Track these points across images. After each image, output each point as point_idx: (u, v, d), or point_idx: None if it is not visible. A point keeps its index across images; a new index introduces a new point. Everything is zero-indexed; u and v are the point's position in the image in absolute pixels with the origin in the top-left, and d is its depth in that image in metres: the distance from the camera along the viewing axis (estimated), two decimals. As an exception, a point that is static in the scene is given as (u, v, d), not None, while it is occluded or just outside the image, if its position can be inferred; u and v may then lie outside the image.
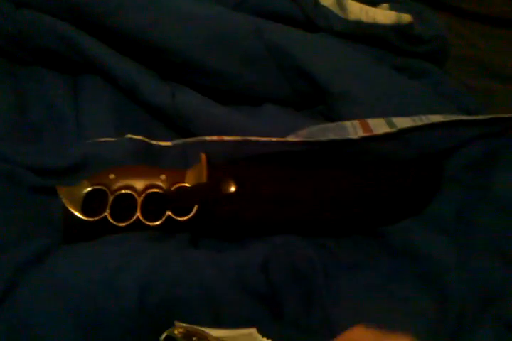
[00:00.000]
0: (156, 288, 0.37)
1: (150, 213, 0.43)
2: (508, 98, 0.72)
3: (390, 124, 0.47)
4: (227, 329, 0.33)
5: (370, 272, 0.42)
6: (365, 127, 0.47)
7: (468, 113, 0.52)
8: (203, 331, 0.32)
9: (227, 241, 0.45)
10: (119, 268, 0.38)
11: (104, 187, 0.43)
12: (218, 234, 0.45)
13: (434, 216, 0.45)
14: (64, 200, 0.42)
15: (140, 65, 0.56)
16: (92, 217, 0.42)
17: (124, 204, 0.43)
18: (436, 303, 0.39)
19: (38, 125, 0.53)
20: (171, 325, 0.32)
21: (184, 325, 0.32)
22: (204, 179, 0.44)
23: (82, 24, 0.55)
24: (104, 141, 0.47)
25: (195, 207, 0.43)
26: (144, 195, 0.43)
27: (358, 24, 0.58)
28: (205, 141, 0.47)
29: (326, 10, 0.61)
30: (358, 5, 0.58)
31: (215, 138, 0.47)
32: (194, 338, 0.31)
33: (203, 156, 0.45)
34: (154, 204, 0.43)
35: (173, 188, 0.44)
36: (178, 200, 0.43)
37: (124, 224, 0.42)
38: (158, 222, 0.42)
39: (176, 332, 0.31)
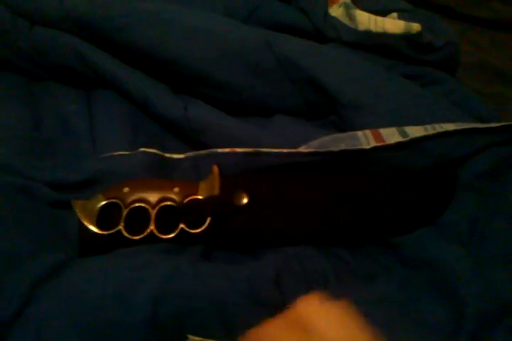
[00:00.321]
0: (168, 301, 0.37)
1: (163, 226, 0.43)
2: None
3: (403, 133, 0.46)
4: None
5: (384, 283, 0.42)
6: (378, 137, 0.47)
7: (481, 120, 0.52)
8: None
9: (240, 253, 0.45)
10: (132, 282, 0.38)
11: (118, 201, 0.44)
12: (231, 246, 0.45)
13: (448, 225, 0.44)
14: (79, 214, 0.43)
15: (152, 79, 0.57)
16: (106, 230, 0.43)
17: (138, 218, 0.43)
18: (451, 314, 0.39)
19: (53, 140, 0.53)
20: (184, 339, 0.32)
21: (197, 338, 0.32)
22: (216, 191, 0.44)
23: (93, 40, 0.56)
24: (118, 155, 0.48)
25: (208, 220, 0.43)
26: (157, 207, 0.43)
27: (368, 34, 0.58)
28: (217, 153, 0.48)
29: (335, 21, 0.61)
30: (367, 15, 0.59)
31: (226, 150, 0.48)
32: None
33: (216, 168, 0.45)
34: (168, 216, 0.43)
35: (186, 201, 0.44)
36: (191, 213, 0.43)
37: (138, 237, 0.42)
38: (171, 235, 0.43)
39: None
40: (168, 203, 0.44)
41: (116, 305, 0.37)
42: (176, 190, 0.44)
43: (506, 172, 0.45)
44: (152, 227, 0.43)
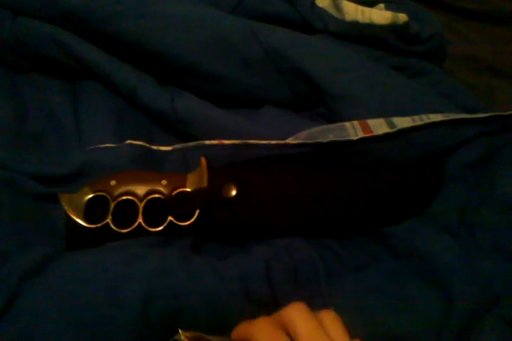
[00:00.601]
0: (158, 297, 0.37)
1: (152, 219, 0.43)
2: (508, 95, 0.72)
3: (390, 124, 0.46)
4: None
5: (374, 273, 0.42)
6: (365, 128, 0.47)
7: (469, 111, 0.52)
8: (208, 338, 0.32)
9: (229, 245, 0.44)
10: (121, 277, 0.38)
11: (105, 194, 0.43)
12: (220, 239, 0.45)
13: (437, 215, 0.45)
14: (66, 208, 0.42)
15: (139, 70, 0.56)
16: (94, 223, 0.42)
17: (126, 210, 0.43)
18: (440, 303, 0.39)
19: (38, 133, 0.52)
20: (176, 334, 0.32)
21: (188, 333, 0.32)
22: (205, 183, 0.44)
23: (79, 31, 0.55)
24: (105, 147, 0.47)
25: (197, 212, 0.43)
26: (145, 200, 0.43)
27: (355, 25, 0.58)
28: (205, 145, 0.47)
29: (322, 11, 0.61)
30: (354, 5, 0.58)
31: (214, 142, 0.47)
32: None
33: (203, 160, 0.45)
34: (156, 209, 0.43)
35: (174, 193, 0.44)
36: (179, 205, 0.43)
37: (126, 231, 0.42)
38: (160, 228, 0.42)
39: (182, 337, 0.31)
40: (156, 196, 0.43)
41: (106, 301, 0.36)
42: (164, 182, 0.44)
43: (494, 162, 0.46)
44: (140, 220, 0.42)
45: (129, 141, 0.48)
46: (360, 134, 0.46)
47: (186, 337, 0.31)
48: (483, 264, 0.41)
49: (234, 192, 0.44)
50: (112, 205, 0.43)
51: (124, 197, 0.43)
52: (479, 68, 0.75)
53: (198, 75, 0.55)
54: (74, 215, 0.42)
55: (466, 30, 0.79)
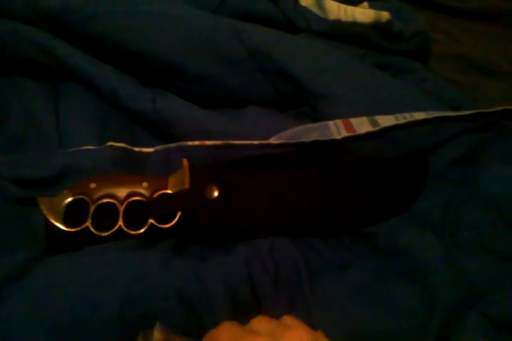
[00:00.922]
0: (137, 300, 0.36)
1: (133, 221, 0.42)
2: (494, 93, 0.72)
3: (373, 123, 0.46)
4: None
5: (357, 272, 0.42)
6: (348, 126, 0.46)
7: (453, 109, 0.52)
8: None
9: (211, 246, 0.44)
10: (99, 281, 0.37)
11: (85, 197, 0.42)
12: (202, 240, 0.44)
13: (420, 214, 0.44)
14: (45, 212, 0.42)
15: (120, 72, 0.55)
16: (73, 227, 0.41)
17: (106, 214, 0.42)
18: (422, 302, 0.39)
19: (19, 135, 0.52)
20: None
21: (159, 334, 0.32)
22: (186, 185, 0.43)
23: (60, 32, 0.55)
24: (85, 150, 0.47)
25: (178, 214, 0.42)
26: (125, 203, 0.43)
27: (338, 23, 0.58)
28: (187, 146, 0.47)
29: (305, 10, 0.60)
30: (337, 4, 0.58)
31: (196, 142, 0.47)
32: None
33: (185, 162, 0.45)
34: (137, 212, 0.42)
35: (155, 195, 0.43)
36: (160, 207, 0.43)
37: (106, 234, 0.41)
38: (141, 231, 0.42)
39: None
40: (137, 198, 0.43)
41: (83, 304, 0.36)
42: (145, 184, 0.43)
43: (478, 159, 0.45)
44: (121, 223, 0.42)
45: (110, 143, 0.47)
46: (344, 133, 0.45)
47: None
48: (465, 262, 0.40)
49: (216, 193, 0.44)
50: (92, 208, 0.42)
51: (104, 200, 0.43)
52: (464, 66, 0.75)
53: (181, 75, 0.55)
54: (53, 219, 0.41)
55: (451, 28, 0.79)
